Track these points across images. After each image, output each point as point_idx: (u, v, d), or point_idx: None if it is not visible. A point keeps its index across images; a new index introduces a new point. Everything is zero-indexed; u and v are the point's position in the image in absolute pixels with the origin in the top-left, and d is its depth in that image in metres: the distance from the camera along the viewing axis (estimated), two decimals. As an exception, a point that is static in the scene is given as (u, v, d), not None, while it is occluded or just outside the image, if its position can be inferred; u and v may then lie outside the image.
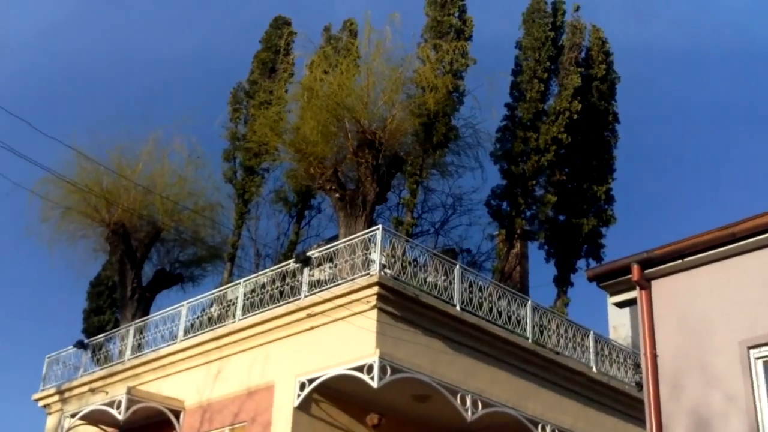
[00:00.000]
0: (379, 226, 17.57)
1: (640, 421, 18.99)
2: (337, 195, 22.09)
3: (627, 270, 11.54)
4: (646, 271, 11.49)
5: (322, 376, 16.34)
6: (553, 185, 27.42)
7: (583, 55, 29.30)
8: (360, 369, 15.77)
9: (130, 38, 64.31)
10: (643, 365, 11.27)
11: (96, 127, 26.60)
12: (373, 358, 15.63)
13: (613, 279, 11.85)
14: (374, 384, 15.44)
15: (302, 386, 16.55)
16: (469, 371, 17.49)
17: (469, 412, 16.63)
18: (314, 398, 16.68)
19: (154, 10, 65.75)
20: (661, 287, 11.50)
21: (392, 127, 22.12)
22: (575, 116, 27.04)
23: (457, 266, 18.34)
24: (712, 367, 10.68)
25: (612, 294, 12.17)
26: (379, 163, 22.03)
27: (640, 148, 56.84)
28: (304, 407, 16.53)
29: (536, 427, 17.89)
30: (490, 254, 28.01)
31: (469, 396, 16.76)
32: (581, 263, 27.30)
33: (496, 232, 27.55)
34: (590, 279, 12.11)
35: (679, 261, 11.31)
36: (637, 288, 11.56)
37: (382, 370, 15.56)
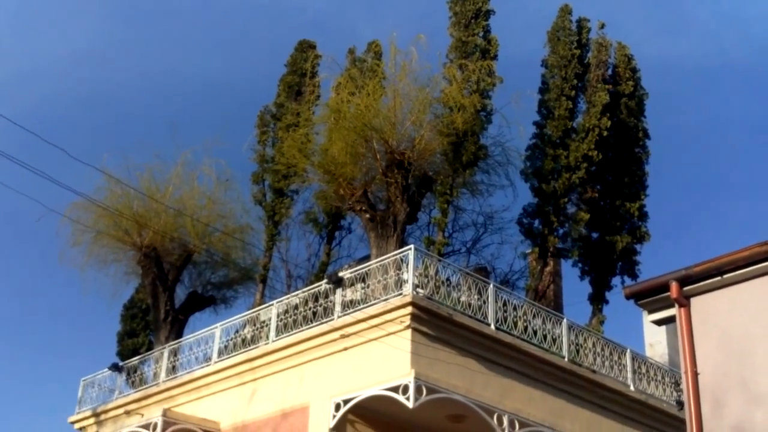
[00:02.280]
0: (411, 246, 17.55)
1: (680, 439, 18.79)
2: (368, 215, 22.10)
3: (665, 287, 11.43)
4: (685, 288, 11.39)
5: (357, 396, 16.30)
6: (585, 202, 27.25)
7: (609, 72, 29.17)
8: (395, 389, 15.72)
9: (157, 63, 65.09)
10: (683, 383, 11.13)
11: (125, 151, 26.88)
12: (408, 378, 15.57)
13: (651, 296, 11.75)
14: (410, 404, 15.37)
15: (337, 407, 16.51)
16: (504, 391, 17.37)
17: (506, 432, 16.50)
18: (349, 419, 16.64)
19: (181, 35, 66.55)
20: (700, 304, 11.38)
21: (421, 147, 22.13)
22: (605, 133, 26.91)
23: (491, 285, 18.26)
24: (755, 384, 10.53)
25: (650, 312, 12.05)
26: (408, 183, 22.03)
27: (673, 164, 56.51)
28: (339, 428, 16.48)
29: (573, 447, 17.71)
30: (523, 272, 27.89)
31: (506, 416, 16.63)
32: (616, 280, 27.10)
33: (529, 251, 27.42)
34: (628, 297, 12.01)
35: (719, 278, 11.20)
36: (676, 305, 11.45)
37: (418, 390, 15.49)
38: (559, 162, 26.48)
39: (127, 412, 21.49)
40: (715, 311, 11.22)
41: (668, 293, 11.39)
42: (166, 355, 21.88)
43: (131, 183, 24.74)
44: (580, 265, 27.30)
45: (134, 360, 23.68)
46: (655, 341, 24.20)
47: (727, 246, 11.15)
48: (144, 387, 22.07)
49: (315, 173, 24.36)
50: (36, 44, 62.79)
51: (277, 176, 29.35)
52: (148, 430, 18.88)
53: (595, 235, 27.52)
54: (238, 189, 28.70)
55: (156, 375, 22.06)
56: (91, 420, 23.05)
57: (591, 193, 27.33)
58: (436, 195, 25.69)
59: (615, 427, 19.30)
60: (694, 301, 11.39)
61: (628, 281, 26.65)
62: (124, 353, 28.51)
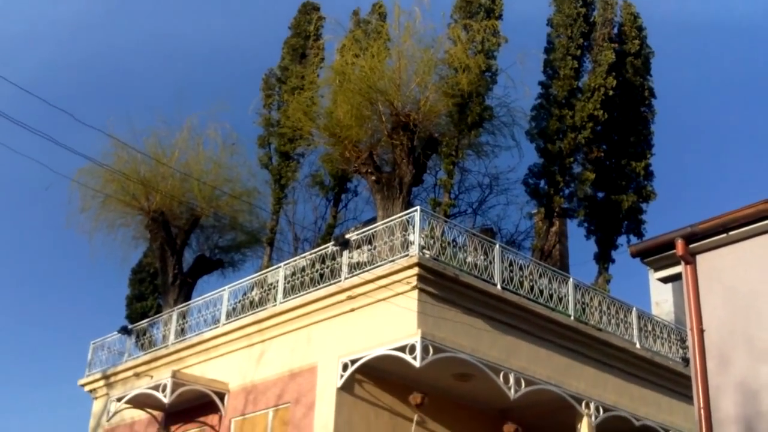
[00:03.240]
0: (417, 207, 17.59)
1: (685, 396, 18.98)
2: (374, 178, 22.11)
3: (671, 245, 11.45)
4: (691, 246, 11.40)
5: (364, 356, 16.44)
6: (590, 162, 27.20)
7: (615, 30, 28.98)
8: (402, 349, 15.85)
9: (161, 27, 64.72)
10: (689, 340, 11.20)
11: (131, 117, 26.88)
12: (414, 338, 15.69)
13: (657, 254, 11.77)
14: (417, 364, 15.51)
15: (345, 367, 16.67)
16: (511, 350, 17.51)
17: (512, 390, 16.66)
18: (357, 379, 16.80)
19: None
20: (706, 261, 11.40)
21: (426, 108, 22.07)
22: (611, 92, 26.79)
23: (497, 245, 18.32)
24: (760, 341, 10.59)
25: (656, 270, 12.08)
26: (414, 145, 22.00)
27: (679, 122, 56.22)
28: (347, 388, 16.65)
29: (580, 404, 17.86)
30: (529, 233, 27.95)
31: (512, 374, 16.78)
32: (622, 240, 27.19)
33: (535, 211, 27.45)
34: (634, 255, 12.03)
35: (724, 235, 11.21)
36: (682, 263, 11.48)
37: (424, 349, 15.62)
38: (565, 122, 26.40)
39: (137, 374, 21.72)
40: (720, 268, 11.25)
41: (674, 251, 11.40)
42: (174, 317, 22.05)
43: (137, 148, 24.76)
44: (585, 224, 27.36)
45: (143, 323, 23.88)
46: (661, 300, 24.30)
47: (734, 204, 11.16)
48: (153, 349, 22.28)
49: (320, 136, 24.35)
50: (37, 7, 62.43)
51: (283, 140, 29.34)
52: (158, 391, 19.07)
53: (600, 194, 27.53)
54: (244, 153, 28.73)
55: (165, 337, 22.25)
56: (101, 382, 23.30)
57: (596, 152, 27.28)
58: (441, 156, 25.68)
59: (620, 385, 19.45)
60: (700, 259, 11.42)
61: (633, 240, 26.71)
62: (133, 317, 28.72)
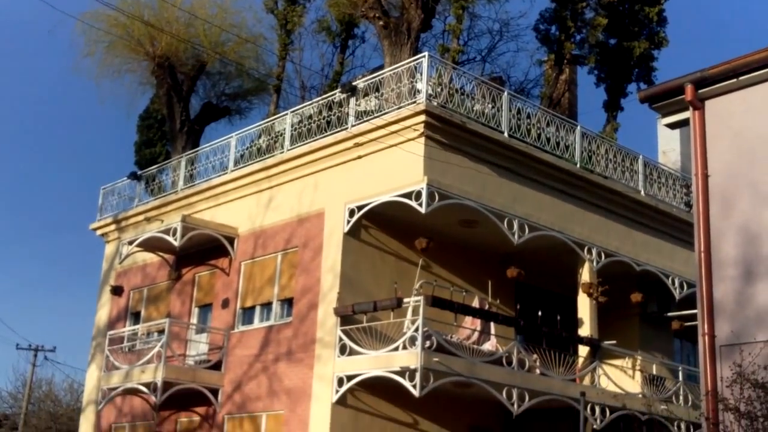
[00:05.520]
0: (425, 53, 17.32)
1: (687, 242, 19.27)
2: (381, 23, 21.70)
3: (680, 90, 11.34)
4: (700, 91, 11.30)
5: (371, 202, 16.62)
6: (603, 7, 26.54)
7: None
8: (408, 195, 16.00)
9: None
10: (694, 185, 11.27)
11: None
12: (421, 184, 15.81)
13: (666, 99, 11.68)
14: (422, 210, 15.69)
15: (351, 213, 16.89)
16: (516, 196, 17.66)
17: (516, 236, 16.91)
18: (363, 224, 17.05)
19: None
20: (714, 107, 11.33)
21: (436, -51, 21.39)
22: (624, -66, 25.84)
23: (505, 93, 18.16)
24: (764, 185, 10.64)
25: (664, 115, 12.02)
26: (423, -12, 21.46)
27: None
28: (353, 233, 16.93)
29: (582, 250, 18.17)
30: (538, 81, 27.68)
31: (516, 220, 16.99)
32: (632, 88, 26.90)
33: (545, 58, 27.05)
34: (643, 100, 11.94)
35: (734, 80, 11.08)
36: (690, 108, 11.41)
37: (430, 196, 15.77)
38: (578, -35, 25.60)
39: (147, 219, 22.06)
40: (729, 114, 11.18)
41: (683, 96, 11.30)
42: (183, 164, 22.18)
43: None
44: (596, 72, 27.01)
45: (152, 169, 24.06)
46: (668, 149, 24.29)
47: (747, 49, 10.95)
48: (163, 195, 22.55)
49: (327, -23, 23.71)
50: None
51: (289, -17, 28.63)
52: (168, 235, 19.44)
53: (612, 41, 27.04)
54: (249, -2, 28.14)
55: (174, 183, 22.47)
56: (112, 227, 23.72)
57: (609, -3, 26.58)
58: (450, 1, 25.07)
59: (623, 231, 19.72)
60: (709, 104, 11.33)
61: (644, 88, 26.39)
62: (142, 163, 28.92)
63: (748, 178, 10.77)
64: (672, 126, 12.25)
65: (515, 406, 15.82)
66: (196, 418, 19.13)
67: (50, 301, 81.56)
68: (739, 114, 11.09)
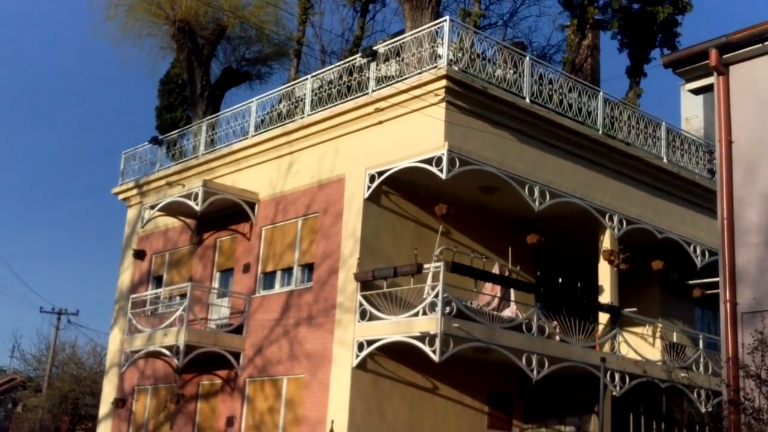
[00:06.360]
0: (446, 17, 17.16)
1: (709, 210, 19.16)
2: (402, -14, 21.50)
3: (705, 55, 11.23)
4: (725, 56, 11.18)
5: (391, 168, 16.60)
6: (627, -28, 26.19)
7: None
8: (429, 161, 15.96)
9: None
10: (717, 152, 11.17)
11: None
12: (441, 150, 15.76)
13: (690, 65, 11.57)
14: (443, 176, 15.65)
15: (372, 178, 16.88)
16: (537, 163, 17.58)
17: (537, 203, 16.86)
18: (384, 190, 17.05)
19: None
20: (739, 72, 11.20)
21: None
22: None
23: (527, 58, 18.01)
24: (789, 152, 10.53)
25: (688, 80, 11.92)
26: (445, -49, 21.22)
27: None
28: (374, 198, 16.94)
29: (603, 217, 18.09)
30: (560, 46, 27.42)
31: (537, 187, 16.92)
32: (655, 53, 26.58)
33: (567, 23, 26.77)
34: (666, 65, 11.82)
35: (759, 45, 10.96)
36: (715, 74, 11.29)
37: (451, 161, 15.72)
38: (604, -73, 25.22)
39: (169, 184, 22.16)
40: (753, 79, 11.04)
41: (707, 61, 11.19)
42: (204, 128, 22.21)
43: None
44: (619, 37, 26.69)
45: (173, 133, 24.11)
46: (691, 116, 24.05)
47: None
48: (184, 160, 22.61)
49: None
50: None
51: (310, -56, 28.39)
52: (190, 199, 19.52)
53: (636, 6, 26.66)
54: (269, -41, 27.92)
55: (195, 148, 22.52)
56: (134, 191, 23.84)
57: (634, -40, 26.20)
58: (472, -35, 24.84)
59: (645, 198, 19.61)
60: (733, 69, 11.20)
61: (667, 54, 26.08)
62: (163, 128, 28.95)
63: (773, 145, 10.66)
64: (696, 92, 12.14)
65: (534, 372, 15.87)
66: (218, 381, 19.34)
67: (73, 265, 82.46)
68: (764, 80, 10.96)
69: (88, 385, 34.74)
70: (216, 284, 20.61)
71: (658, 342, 18.40)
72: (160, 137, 24.01)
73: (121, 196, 24.49)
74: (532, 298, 18.04)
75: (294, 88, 20.46)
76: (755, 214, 10.62)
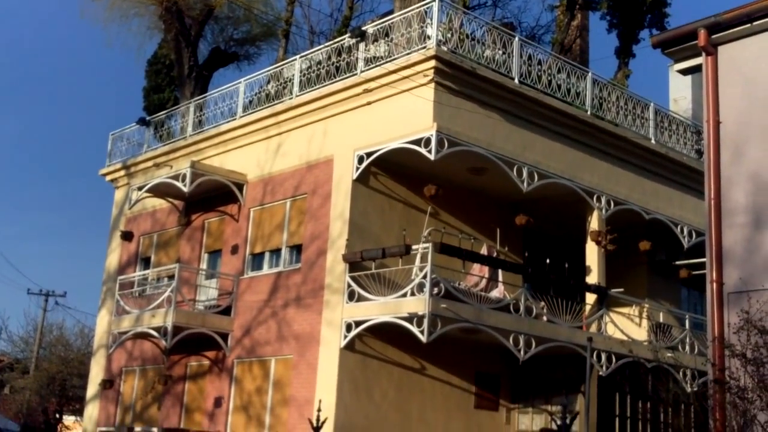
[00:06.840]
0: (435, -3, 17.08)
1: (696, 191, 19.23)
2: (391, -34, 21.39)
3: (693, 35, 11.20)
4: (713, 36, 11.15)
5: (379, 149, 16.57)
6: (617, -50, 26.10)
7: None
8: (417, 142, 15.94)
9: None
10: (705, 132, 11.18)
11: None
12: (430, 131, 15.75)
13: (678, 45, 11.55)
14: (431, 157, 15.65)
15: (360, 159, 16.85)
16: (526, 144, 17.59)
17: (525, 184, 16.87)
18: (372, 171, 17.03)
19: None
20: (727, 53, 11.18)
21: None
22: None
23: (516, 39, 17.97)
24: (776, 133, 10.54)
25: (677, 61, 11.90)
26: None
27: None
28: (362, 180, 16.92)
29: (591, 198, 18.13)
30: (549, 27, 27.36)
31: (526, 168, 16.94)
32: (644, 34, 26.57)
33: (557, 3, 26.70)
34: (655, 45, 11.80)
35: (748, 25, 10.93)
36: (703, 54, 11.26)
37: (439, 143, 15.71)
38: None
39: (157, 165, 22.07)
40: (742, 60, 11.04)
41: (696, 41, 11.16)
42: (192, 109, 22.10)
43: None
44: (608, 17, 26.67)
45: (161, 115, 23.99)
46: (679, 97, 24.06)
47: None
48: (172, 141, 22.52)
49: None
50: None
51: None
52: (178, 180, 19.45)
53: (625, -14, 26.61)
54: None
55: (183, 129, 22.42)
56: (122, 172, 23.74)
57: (624, -61, 26.11)
58: (462, -56, 24.71)
59: (633, 179, 19.65)
60: (722, 50, 11.19)
61: (656, 34, 26.08)
62: (151, 108, 28.83)
63: (760, 126, 10.67)
64: (684, 72, 12.14)
65: (522, 352, 15.94)
66: (206, 362, 19.35)
67: (61, 246, 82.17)
68: (752, 60, 10.95)
69: (75, 367, 34.69)
70: (204, 265, 20.58)
71: (645, 322, 18.50)
72: (148, 118, 23.89)
73: (108, 178, 24.39)
74: (520, 278, 18.09)
75: (282, 69, 20.37)
76: (742, 195, 10.65)
